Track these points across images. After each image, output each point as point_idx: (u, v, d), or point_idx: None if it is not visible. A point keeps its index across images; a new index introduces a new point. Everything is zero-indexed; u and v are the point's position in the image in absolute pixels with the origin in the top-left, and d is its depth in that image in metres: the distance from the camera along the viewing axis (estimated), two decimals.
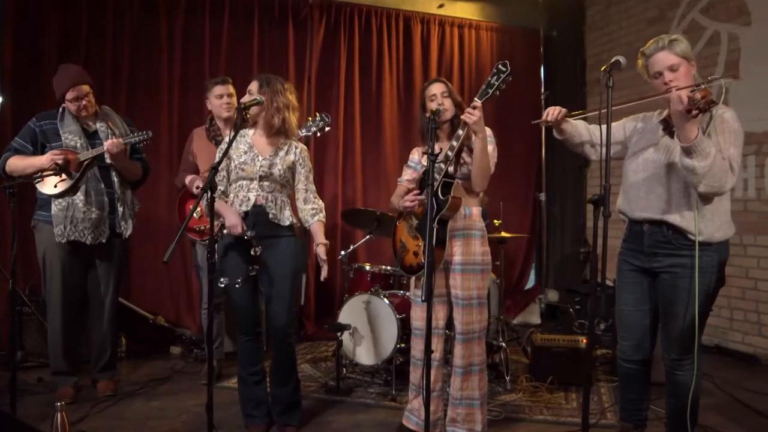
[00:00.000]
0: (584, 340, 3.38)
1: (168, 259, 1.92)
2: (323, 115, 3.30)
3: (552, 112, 2.28)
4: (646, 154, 2.22)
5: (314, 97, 4.78)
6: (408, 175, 2.69)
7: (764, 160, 3.89)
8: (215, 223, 2.48)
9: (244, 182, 2.58)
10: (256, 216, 2.56)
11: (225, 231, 2.53)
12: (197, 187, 3.37)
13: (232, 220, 2.50)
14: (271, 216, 2.57)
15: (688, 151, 1.92)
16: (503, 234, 3.64)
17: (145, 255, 4.19)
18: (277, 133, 2.63)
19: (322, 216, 2.68)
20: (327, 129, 3.31)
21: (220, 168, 2.54)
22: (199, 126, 3.80)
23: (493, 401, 3.11)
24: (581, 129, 2.37)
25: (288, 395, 2.68)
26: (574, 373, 3.29)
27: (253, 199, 2.56)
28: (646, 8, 4.81)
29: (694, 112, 1.85)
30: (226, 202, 2.62)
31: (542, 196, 5.54)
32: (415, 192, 2.50)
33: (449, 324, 2.59)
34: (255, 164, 2.57)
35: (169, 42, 4.38)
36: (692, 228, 2.07)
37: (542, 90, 5.49)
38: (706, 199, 2.08)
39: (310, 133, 3.25)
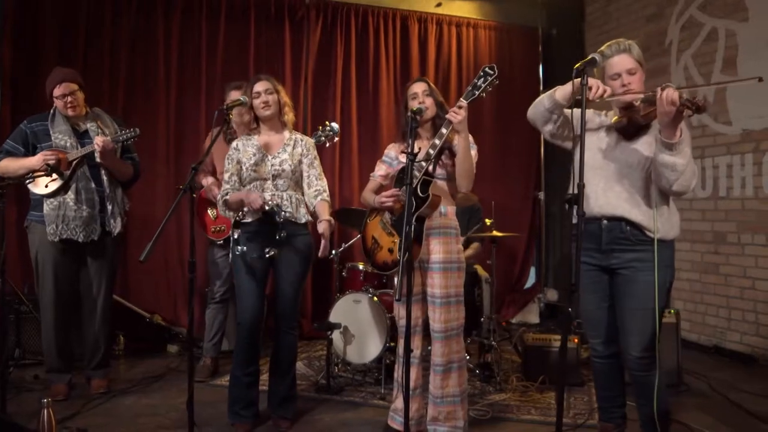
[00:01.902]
0: (575, 340, 3.36)
1: (145, 258, 1.94)
2: (333, 125, 3.36)
3: (598, 90, 1.97)
4: (601, 153, 2.22)
5: (311, 97, 4.80)
6: (382, 170, 2.69)
7: (761, 158, 3.84)
8: (240, 213, 2.60)
9: (258, 183, 2.66)
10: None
11: (245, 210, 2.57)
12: (213, 197, 3.42)
13: (250, 196, 2.55)
14: (287, 214, 2.63)
15: (671, 148, 1.96)
16: (495, 233, 3.63)
17: None
18: (284, 129, 2.75)
19: (325, 195, 2.72)
20: (336, 139, 3.40)
21: (230, 174, 2.65)
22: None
23: (481, 401, 3.11)
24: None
25: (285, 389, 2.76)
26: (566, 373, 3.27)
27: (269, 199, 2.62)
28: (645, 5, 4.77)
29: (688, 112, 1.90)
30: None
31: (541, 195, 5.52)
32: (394, 190, 2.50)
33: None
34: (266, 164, 2.65)
35: (166, 43, 4.42)
36: (652, 225, 2.12)
37: (541, 89, 5.46)
38: (665, 198, 2.15)
39: (319, 143, 3.31)
